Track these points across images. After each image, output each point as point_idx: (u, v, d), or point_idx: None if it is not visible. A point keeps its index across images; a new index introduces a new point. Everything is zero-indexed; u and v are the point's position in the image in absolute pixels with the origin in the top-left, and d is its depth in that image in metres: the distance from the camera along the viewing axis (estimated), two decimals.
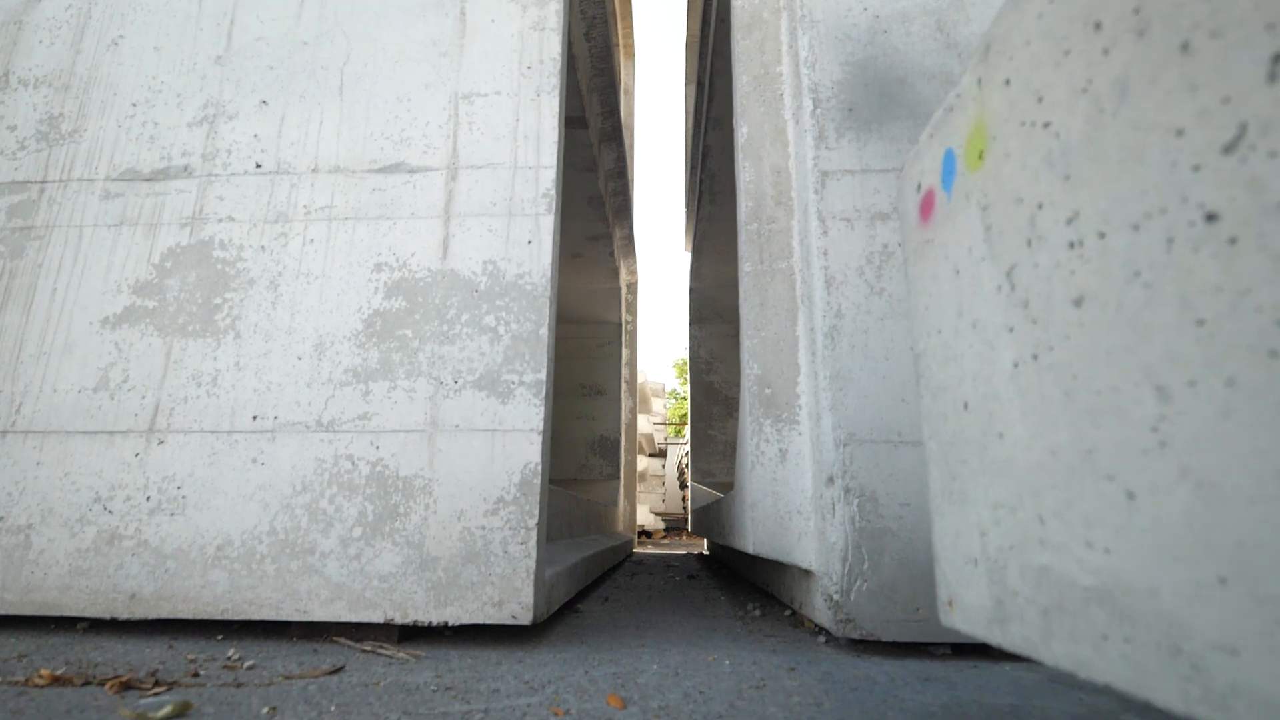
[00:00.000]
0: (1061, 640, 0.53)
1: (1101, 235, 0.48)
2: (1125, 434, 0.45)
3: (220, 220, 1.63)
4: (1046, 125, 0.55)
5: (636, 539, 7.62)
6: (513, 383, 1.46)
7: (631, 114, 6.90)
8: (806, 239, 1.60)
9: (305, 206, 1.63)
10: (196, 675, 1.08)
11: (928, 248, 0.81)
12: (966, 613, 0.70)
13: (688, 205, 5.81)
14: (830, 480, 1.40)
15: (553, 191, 1.59)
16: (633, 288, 6.96)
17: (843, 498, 1.37)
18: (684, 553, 5.92)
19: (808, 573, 1.54)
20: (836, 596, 1.33)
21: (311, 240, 1.60)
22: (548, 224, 1.56)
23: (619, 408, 6.17)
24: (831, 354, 1.45)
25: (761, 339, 1.65)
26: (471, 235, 1.57)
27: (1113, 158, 0.47)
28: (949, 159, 0.75)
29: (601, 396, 6.13)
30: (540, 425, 1.43)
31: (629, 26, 6.61)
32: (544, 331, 1.49)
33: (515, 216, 1.57)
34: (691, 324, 6.33)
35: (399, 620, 1.33)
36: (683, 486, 10.70)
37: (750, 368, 1.64)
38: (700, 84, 3.88)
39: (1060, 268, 0.53)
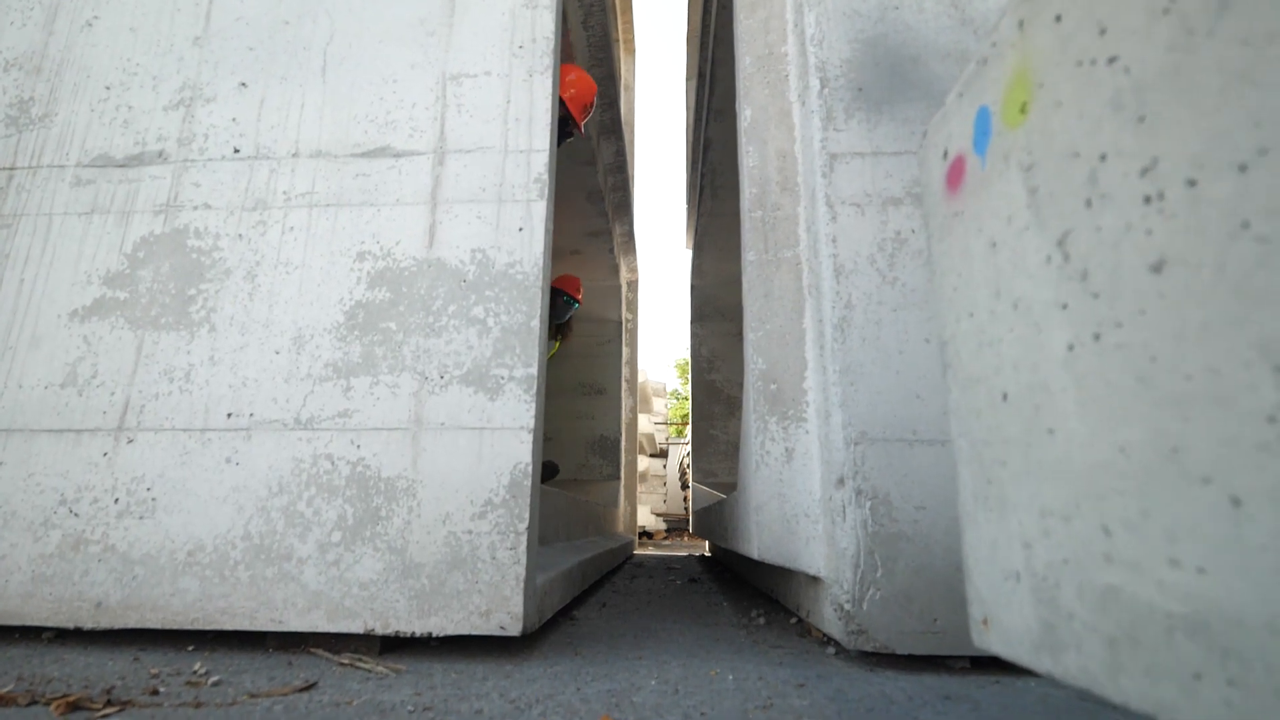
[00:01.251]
0: (1134, 677, 0.44)
1: (1191, 183, 0.39)
2: (1229, 427, 0.36)
3: (196, 207, 1.55)
4: (1112, 61, 0.46)
5: (637, 540, 7.53)
6: (502, 378, 1.37)
7: (632, 110, 6.81)
8: (814, 226, 1.52)
9: (285, 193, 1.54)
10: (155, 693, 1.00)
11: (956, 222, 0.72)
12: (1005, 635, 0.61)
13: (688, 201, 5.72)
14: (840, 481, 1.31)
15: (545, 176, 1.50)
16: (633, 285, 6.87)
17: (854, 500, 1.28)
18: (685, 554, 5.84)
19: (816, 579, 1.45)
20: (848, 606, 1.24)
21: (291, 228, 1.51)
22: (540, 210, 1.48)
23: (619, 407, 6.09)
24: (841, 347, 1.36)
25: (766, 332, 1.57)
26: (459, 222, 1.48)
27: (1208, 87, 0.38)
28: (982, 118, 0.66)
29: (601, 396, 6.04)
30: (531, 423, 1.34)
31: (629, 21, 6.52)
32: (535, 323, 1.40)
33: (506, 202, 1.49)
34: (693, 322, 6.25)
35: (379, 631, 1.25)
36: (684, 487, 10.61)
37: (754, 362, 1.55)
38: (701, 75, 3.80)
39: (1132, 229, 0.44)
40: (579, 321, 5.89)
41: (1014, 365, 0.60)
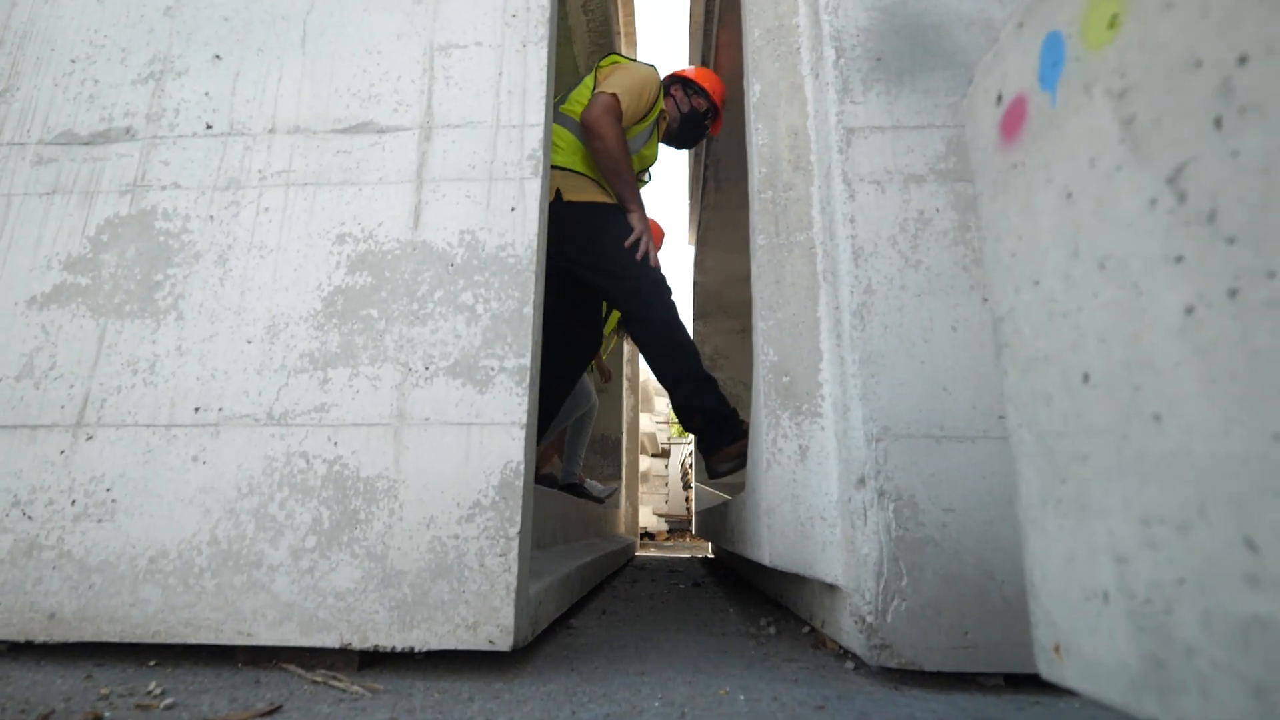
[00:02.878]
0: None
1: None
2: None
3: (164, 187, 1.44)
4: None
5: (638, 541, 7.42)
6: (492, 369, 1.26)
7: None
8: (830, 206, 1.41)
9: (260, 171, 1.43)
10: (98, 718, 0.89)
11: (1015, 175, 0.61)
12: (1087, 667, 0.50)
13: (691, 196, 5.62)
14: (861, 481, 1.20)
15: (540, 153, 1.39)
16: None
17: (876, 502, 1.17)
18: (688, 556, 5.73)
19: (833, 588, 1.34)
20: (870, 618, 1.13)
21: (266, 209, 1.41)
22: (534, 189, 1.37)
23: (621, 406, 5.98)
24: (861, 335, 1.25)
25: (778, 321, 1.46)
26: (447, 202, 1.37)
27: None
28: (1052, 46, 0.55)
29: (602, 394, 5.93)
30: (524, 418, 1.23)
31: (630, 14, 6.41)
32: (529, 310, 1.29)
33: (497, 181, 1.38)
34: (695, 319, 6.14)
35: (357, 645, 1.14)
36: (686, 488, 10.50)
37: (765, 353, 1.44)
38: (704, 62, 3.69)
39: None
40: None
41: (1100, 338, 0.49)
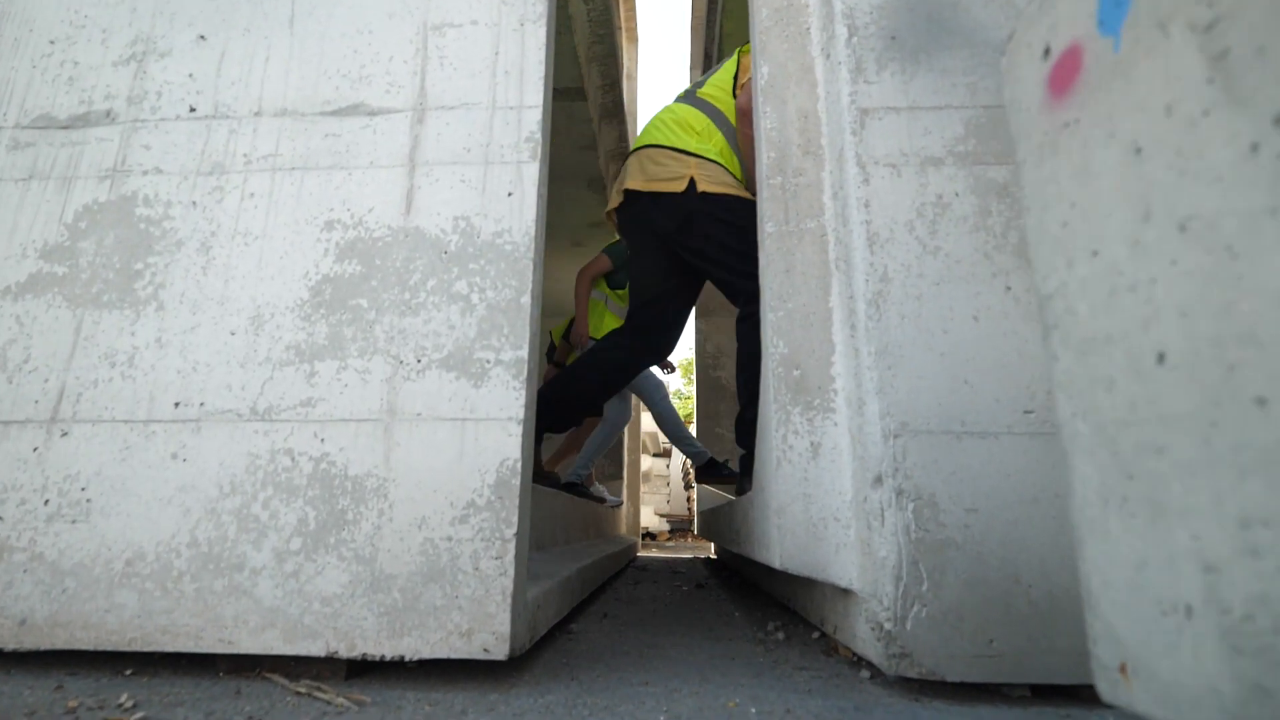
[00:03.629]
0: None
1: None
2: None
3: (146, 172, 1.38)
4: None
5: (640, 541, 7.36)
6: (488, 361, 1.20)
7: (634, 100, 6.64)
8: (842, 190, 1.34)
9: (245, 155, 1.37)
10: None
11: (1067, 135, 0.54)
12: (1163, 692, 0.44)
13: None
14: (878, 480, 1.13)
15: (538, 135, 1.33)
16: None
17: (894, 501, 1.10)
18: (690, 557, 5.66)
19: (846, 592, 1.27)
20: (889, 625, 1.06)
21: (252, 194, 1.34)
22: (532, 173, 1.30)
23: None
24: (877, 325, 1.18)
25: (788, 311, 1.39)
26: (440, 187, 1.31)
27: None
28: None
29: None
30: (521, 413, 1.17)
31: (631, 8, 6.34)
32: (526, 300, 1.23)
33: (493, 164, 1.31)
34: (697, 317, 6.07)
35: (344, 654, 1.08)
36: (688, 487, 10.44)
37: (774, 346, 1.38)
38: (707, 55, 3.63)
39: None
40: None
41: (1180, 312, 0.42)
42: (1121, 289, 0.48)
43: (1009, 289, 1.19)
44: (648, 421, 10.86)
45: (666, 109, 2.45)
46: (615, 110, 3.96)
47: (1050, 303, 0.57)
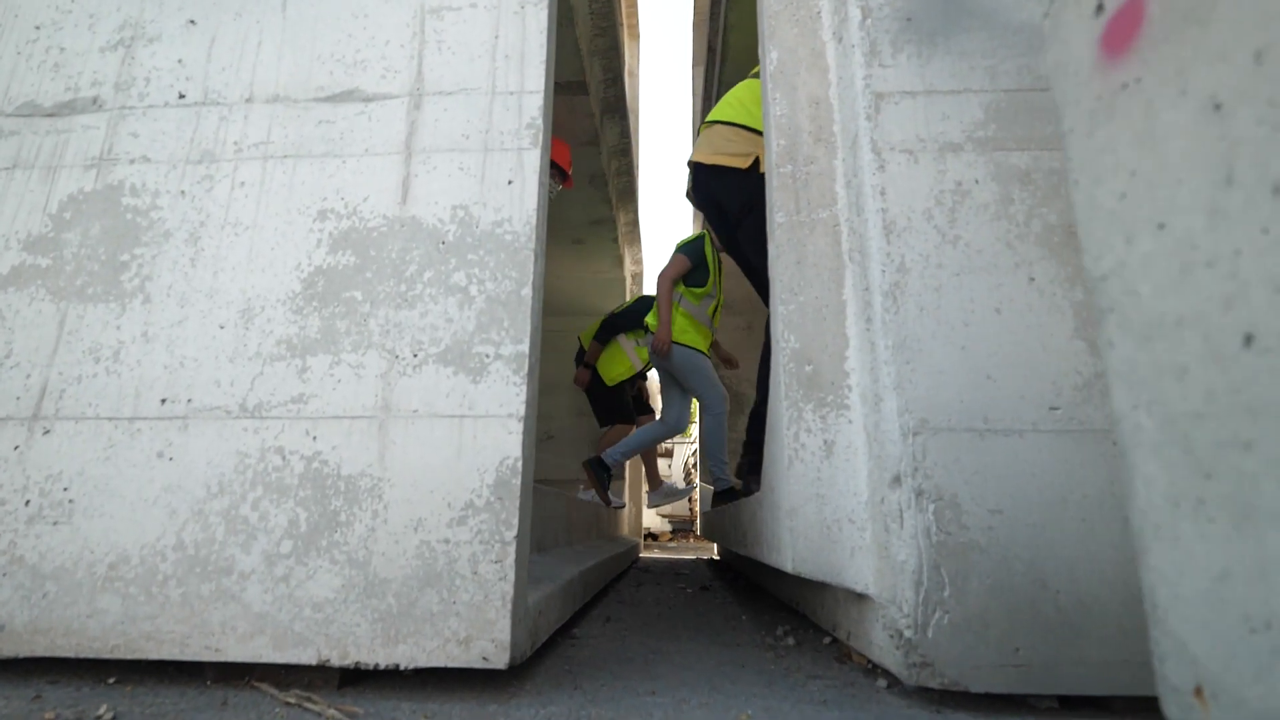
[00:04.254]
0: None
1: None
2: None
3: (133, 161, 1.33)
4: None
5: (642, 542, 7.31)
6: (487, 356, 1.15)
7: (636, 98, 6.59)
8: (856, 178, 1.29)
9: (236, 143, 1.32)
10: None
11: (1125, 98, 0.49)
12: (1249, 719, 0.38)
13: None
14: (896, 480, 1.08)
15: (539, 121, 1.28)
16: (638, 278, 6.64)
17: (914, 502, 1.05)
18: (693, 557, 5.61)
19: (862, 597, 1.22)
20: (908, 633, 1.01)
21: (242, 183, 1.29)
22: (533, 160, 1.25)
23: None
24: (895, 318, 1.13)
25: (799, 304, 1.34)
26: (438, 175, 1.26)
27: None
28: None
29: None
30: (521, 410, 1.12)
31: (633, 4, 6.29)
32: (527, 292, 1.18)
33: (493, 152, 1.26)
34: None
35: (336, 662, 1.02)
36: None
37: (785, 340, 1.32)
38: (711, 49, 3.58)
39: None
40: (581, 315, 5.67)
41: (1275, 287, 0.37)
42: (1196, 265, 0.42)
43: (1033, 280, 1.14)
44: None
45: (742, 84, 2.38)
46: (617, 105, 3.91)
47: (1104, 284, 0.51)
